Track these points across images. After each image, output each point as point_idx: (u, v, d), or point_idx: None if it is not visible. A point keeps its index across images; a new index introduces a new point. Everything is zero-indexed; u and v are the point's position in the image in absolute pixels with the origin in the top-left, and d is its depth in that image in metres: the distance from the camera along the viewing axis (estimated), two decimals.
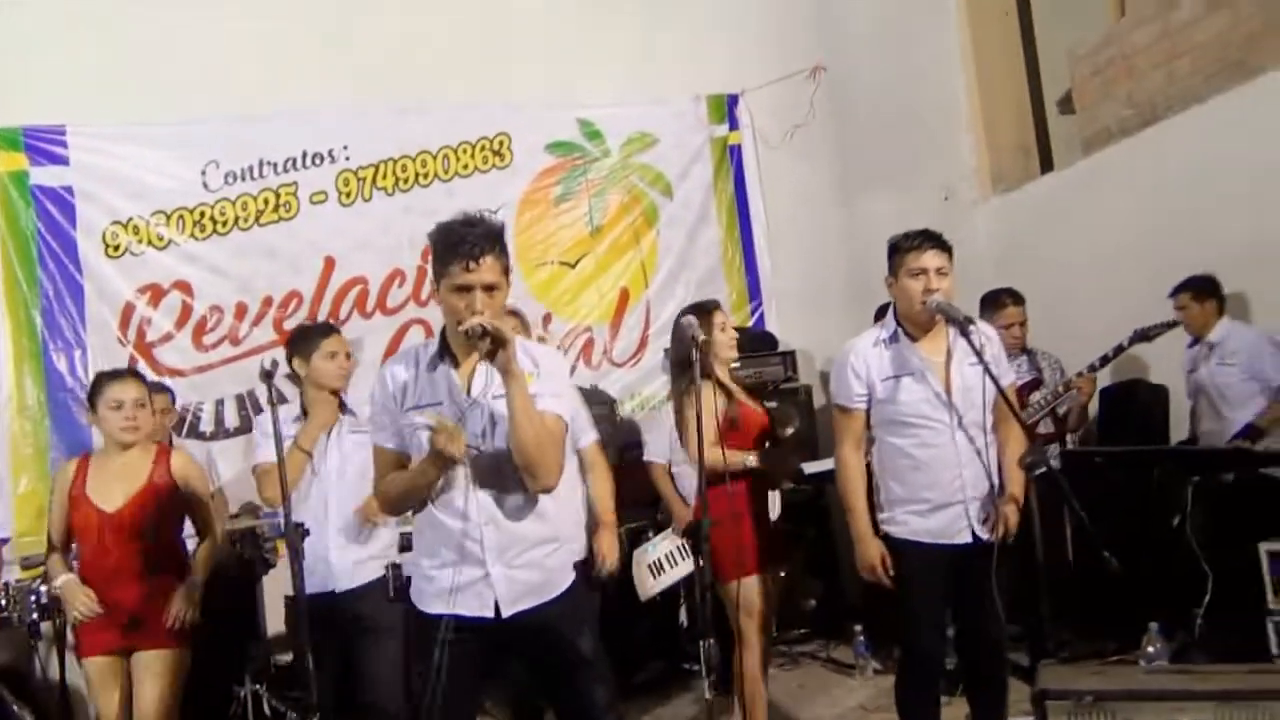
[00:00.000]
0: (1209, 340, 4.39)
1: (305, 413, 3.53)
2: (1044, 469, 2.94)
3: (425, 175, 5.75)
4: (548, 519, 2.48)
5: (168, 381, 5.20)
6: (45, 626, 4.25)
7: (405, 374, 2.47)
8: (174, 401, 4.72)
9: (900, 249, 3.04)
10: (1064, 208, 5.84)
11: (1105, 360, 4.29)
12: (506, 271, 2.46)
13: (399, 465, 2.44)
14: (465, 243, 2.35)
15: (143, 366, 5.31)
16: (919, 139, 6.41)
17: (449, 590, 2.35)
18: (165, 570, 3.35)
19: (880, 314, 3.82)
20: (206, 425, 5.40)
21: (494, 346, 2.29)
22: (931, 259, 2.98)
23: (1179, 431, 4.90)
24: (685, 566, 3.99)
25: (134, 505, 3.30)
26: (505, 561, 2.40)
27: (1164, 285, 4.55)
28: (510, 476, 2.42)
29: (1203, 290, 4.40)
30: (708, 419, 3.62)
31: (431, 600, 2.39)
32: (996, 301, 4.50)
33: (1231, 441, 4.17)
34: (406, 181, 5.72)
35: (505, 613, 2.39)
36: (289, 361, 3.52)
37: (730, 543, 3.33)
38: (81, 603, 3.23)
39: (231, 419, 5.42)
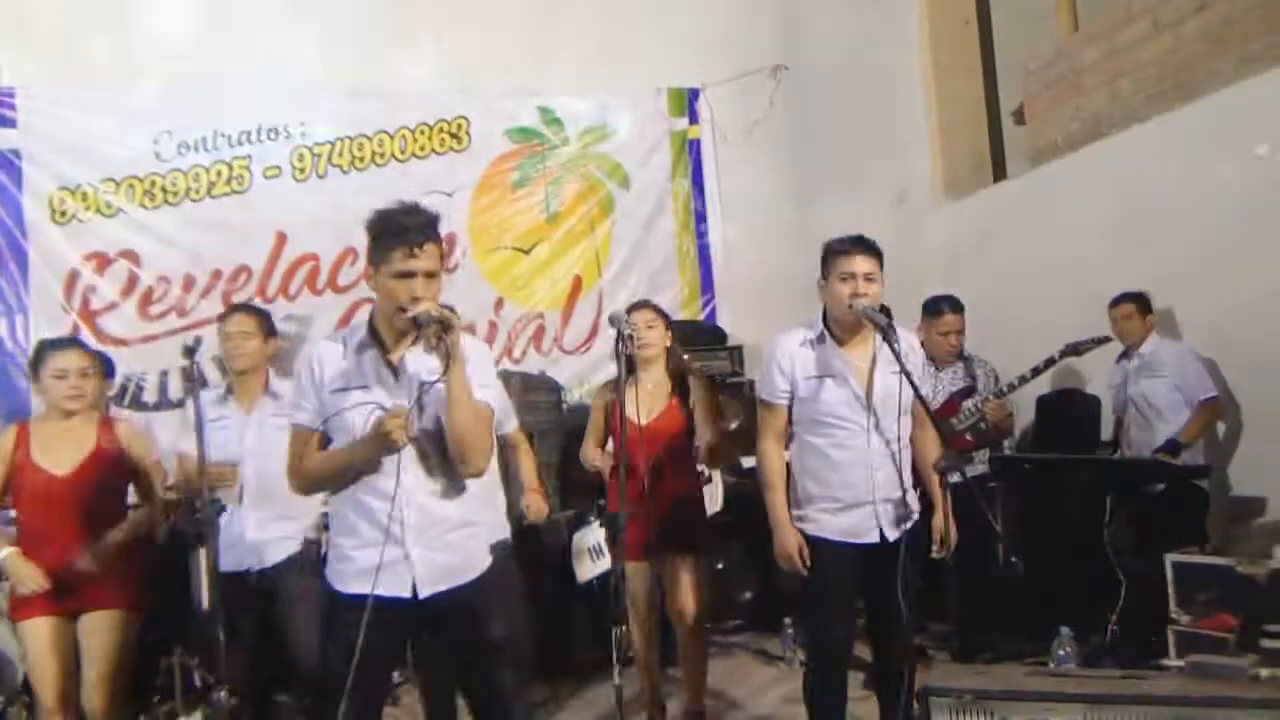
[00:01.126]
0: (1140, 353, 4.51)
1: (230, 392, 3.58)
2: (958, 474, 3.02)
3: (381, 155, 5.73)
4: (468, 503, 2.53)
5: (110, 351, 5.17)
6: None
7: (332, 356, 2.51)
8: (112, 373, 4.68)
9: (832, 252, 3.10)
10: (1012, 217, 5.96)
11: (1036, 372, 4.39)
12: (443, 257, 2.51)
13: (318, 445, 2.46)
14: (409, 230, 2.40)
15: (85, 334, 5.28)
16: (876, 142, 6.51)
17: (370, 569, 2.38)
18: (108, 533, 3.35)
19: None
20: (149, 396, 5.38)
21: (441, 332, 2.33)
22: (861, 264, 3.04)
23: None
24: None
25: (85, 469, 3.34)
26: (425, 543, 2.44)
27: (1102, 296, 4.67)
28: (434, 460, 2.47)
29: (1144, 303, 4.53)
30: (597, 415, 3.90)
31: (350, 580, 2.43)
32: (935, 309, 4.58)
33: (1154, 454, 4.29)
34: (362, 160, 5.71)
35: (423, 593, 2.43)
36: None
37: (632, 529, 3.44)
38: (29, 578, 3.20)
39: (175, 390, 5.38)
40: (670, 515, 3.68)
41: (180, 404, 5.31)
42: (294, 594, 3.39)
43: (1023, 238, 5.77)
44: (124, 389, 5.33)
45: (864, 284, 3.04)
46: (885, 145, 6.58)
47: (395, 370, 2.47)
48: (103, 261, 5.37)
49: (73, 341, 3.52)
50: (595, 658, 5.00)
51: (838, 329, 3.13)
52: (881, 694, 3.22)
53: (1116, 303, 4.58)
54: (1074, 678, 2.25)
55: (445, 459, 2.47)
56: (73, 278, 5.32)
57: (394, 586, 2.42)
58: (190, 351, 2.72)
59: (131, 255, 5.40)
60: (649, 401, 3.77)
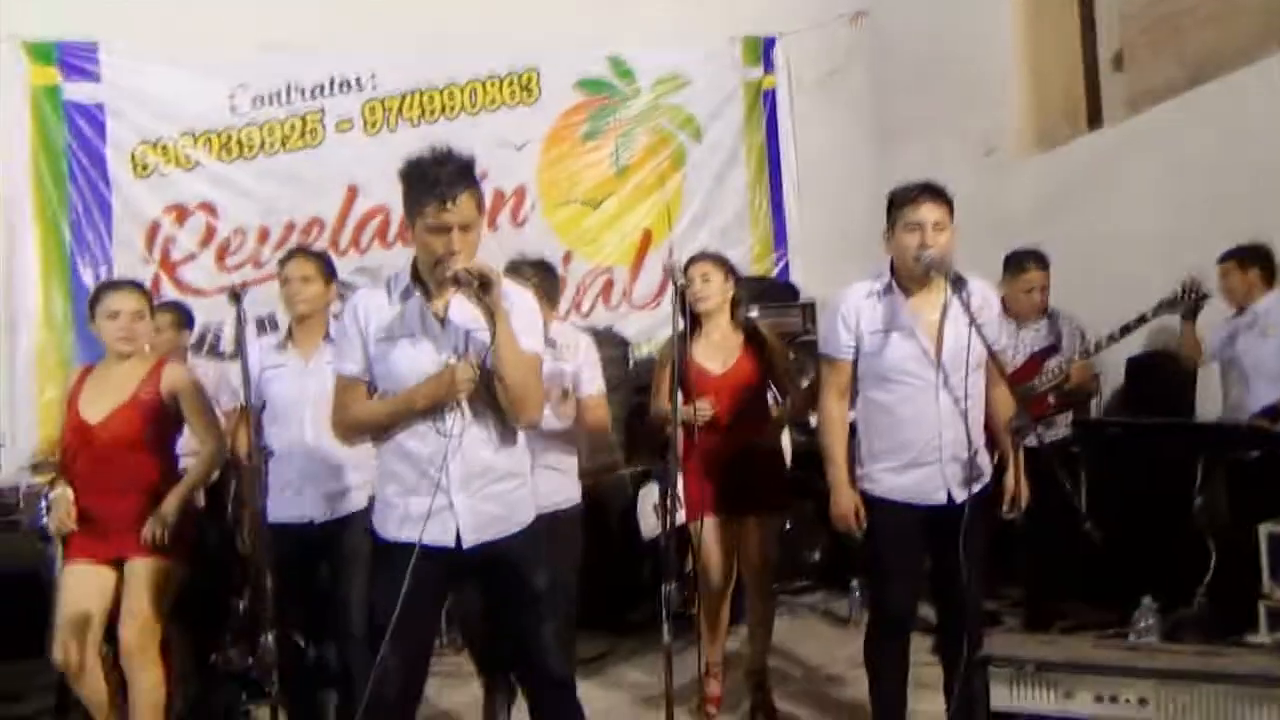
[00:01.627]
0: (1254, 309, 4.21)
1: (290, 338, 3.53)
2: (1033, 437, 2.87)
3: (451, 108, 5.71)
4: (514, 454, 2.50)
5: (189, 301, 5.29)
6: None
7: (377, 304, 2.47)
8: (190, 323, 4.77)
9: (897, 201, 2.94)
10: (1108, 167, 5.62)
11: (1126, 330, 4.13)
12: (480, 206, 2.44)
13: (363, 394, 2.44)
14: (439, 183, 2.31)
15: (166, 285, 5.43)
16: (961, 91, 6.20)
17: (413, 517, 2.37)
18: (154, 483, 3.30)
19: None
20: (226, 345, 5.50)
21: (482, 288, 2.29)
22: (928, 212, 2.87)
23: (1206, 409, 4.75)
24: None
25: (117, 418, 3.27)
26: (470, 491, 2.41)
27: (1205, 251, 4.37)
28: (482, 409, 2.42)
29: (1248, 258, 4.20)
30: (663, 368, 3.71)
31: (394, 526, 2.41)
32: (1018, 265, 4.35)
33: (1252, 419, 4.03)
34: (433, 113, 5.70)
35: (466, 542, 2.41)
36: None
37: (693, 485, 3.38)
38: (58, 517, 3.22)
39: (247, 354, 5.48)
40: (745, 470, 3.57)
41: None
42: (357, 547, 3.23)
43: (1119, 189, 5.44)
44: (202, 338, 5.45)
45: (932, 233, 2.87)
46: (971, 95, 6.26)
47: (441, 319, 2.43)
48: (182, 213, 5.49)
49: (130, 283, 3.44)
50: (658, 614, 4.99)
51: (905, 280, 2.98)
52: (947, 660, 3.11)
53: (1220, 259, 4.27)
54: (1146, 651, 2.10)
55: (492, 408, 2.43)
56: (153, 229, 5.46)
57: (437, 535, 2.40)
58: (237, 297, 2.71)
59: (209, 208, 5.51)
60: (720, 353, 3.65)
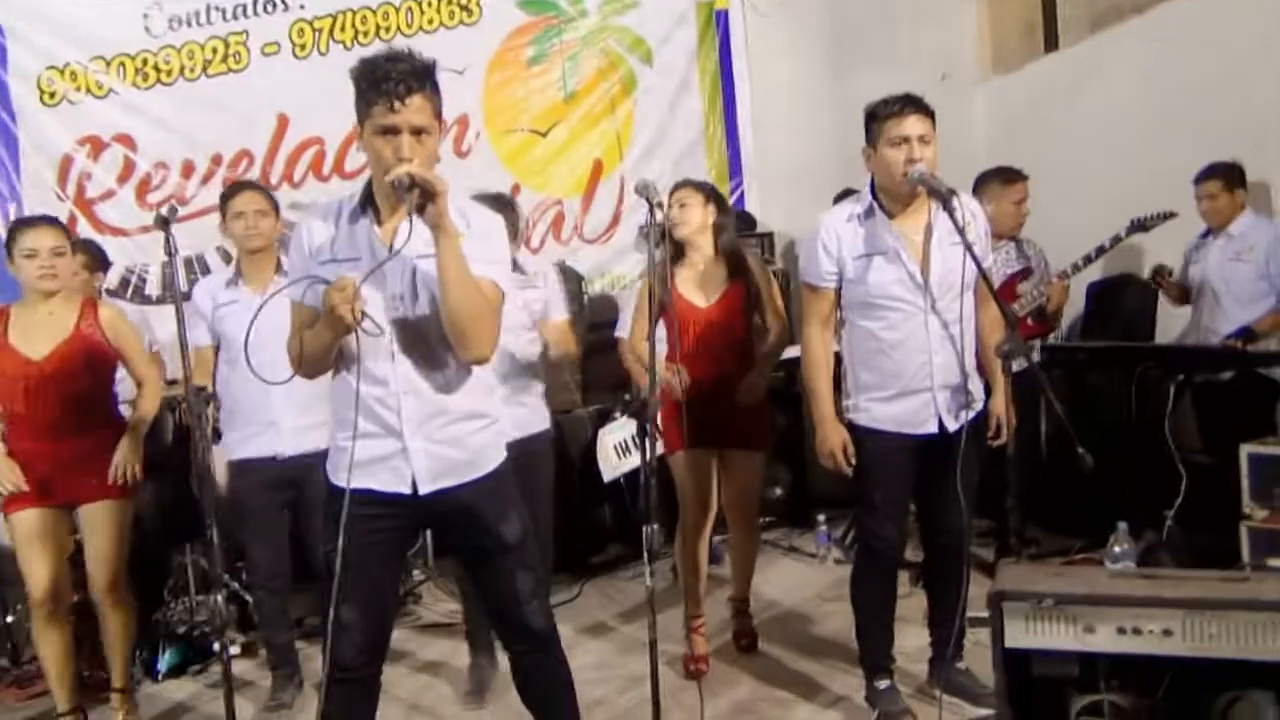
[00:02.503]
0: (1229, 232, 4.13)
1: (239, 274, 3.38)
2: (1022, 360, 2.75)
3: (386, 29, 5.35)
4: (474, 393, 2.28)
5: (110, 241, 4.93)
6: None
7: (324, 226, 2.24)
8: (106, 264, 4.44)
9: (879, 116, 2.77)
10: (1068, 89, 5.52)
11: (1101, 251, 4.06)
12: (438, 114, 2.20)
13: (313, 321, 2.21)
14: (389, 79, 2.08)
15: (83, 224, 5.05)
16: (917, 13, 6.02)
17: (363, 462, 2.17)
18: (99, 423, 3.25)
19: (840, 198, 3.56)
20: (153, 289, 5.16)
21: (423, 199, 2.05)
22: (914, 125, 2.72)
23: (1164, 332, 4.73)
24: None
25: (62, 353, 3.16)
26: (425, 435, 2.21)
27: (1170, 172, 4.28)
28: (436, 344, 2.21)
29: (1232, 178, 4.11)
30: (641, 299, 3.54)
31: (344, 473, 2.18)
32: (1010, 176, 4.21)
33: (1224, 341, 3.99)
34: (366, 35, 5.33)
35: (423, 490, 2.21)
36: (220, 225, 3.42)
37: (671, 418, 3.33)
38: (6, 478, 3.12)
39: (182, 282, 5.14)
40: (728, 404, 3.42)
41: (185, 297, 5.09)
42: (318, 487, 3.19)
43: (1080, 110, 5.34)
44: (126, 281, 5.11)
45: (919, 147, 2.72)
46: (928, 16, 6.08)
47: (390, 245, 2.19)
48: (97, 145, 5.08)
49: (46, 219, 3.27)
50: (620, 555, 4.89)
51: (888, 201, 2.83)
52: (934, 593, 3.04)
53: (1201, 178, 4.17)
54: (1171, 580, 2.00)
55: (446, 343, 2.20)
56: (66, 163, 5.05)
57: (391, 481, 2.21)
58: (165, 222, 2.46)
59: (126, 139, 5.11)
60: (705, 283, 3.48)
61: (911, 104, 2.76)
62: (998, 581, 2.11)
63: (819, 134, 5.97)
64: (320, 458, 3.16)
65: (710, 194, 3.54)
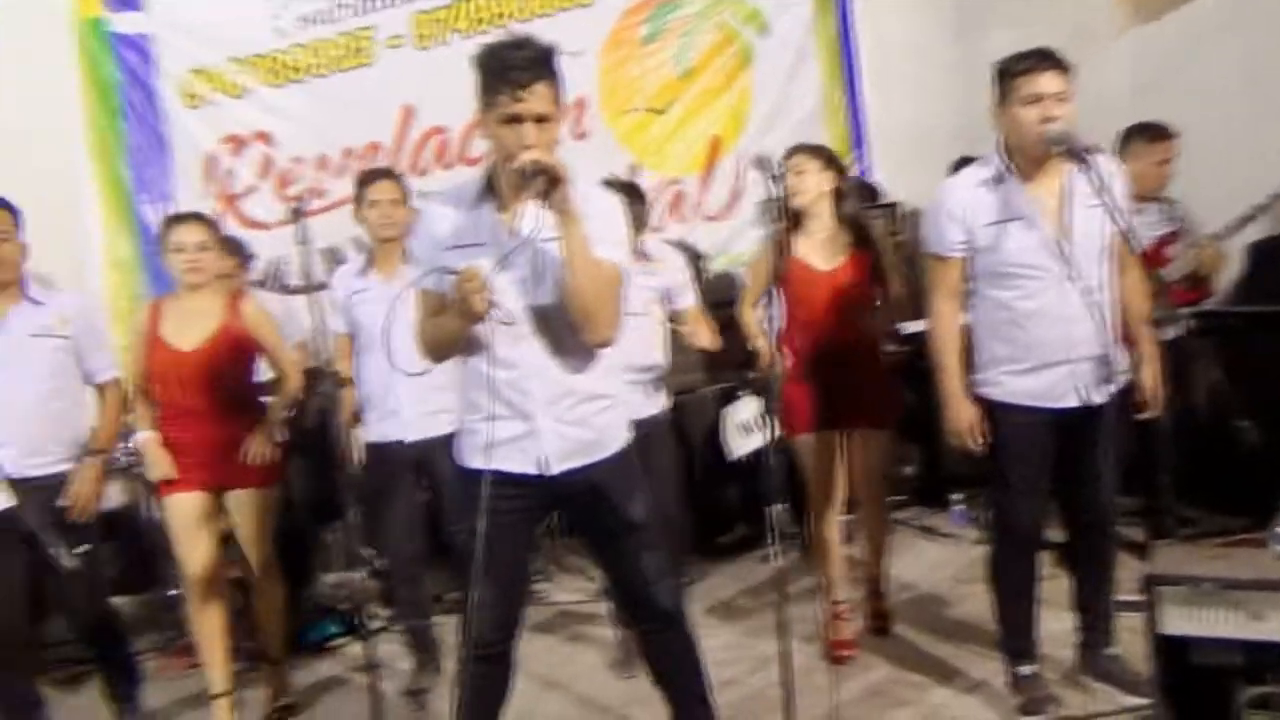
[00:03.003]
0: None
1: (370, 263, 3.48)
2: (1174, 328, 2.59)
3: (502, 15, 5.42)
4: (599, 374, 2.31)
5: (252, 235, 5.19)
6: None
7: (447, 213, 2.29)
8: (247, 256, 4.68)
9: (1011, 73, 2.64)
10: (1213, 36, 5.14)
11: (1259, 210, 3.78)
12: (560, 100, 2.21)
13: (440, 308, 2.26)
14: (513, 68, 2.10)
15: (228, 220, 5.30)
16: None
17: (492, 444, 2.21)
18: (244, 412, 3.38)
19: (958, 168, 3.39)
20: (293, 279, 5.38)
21: (549, 185, 2.07)
22: (1049, 82, 2.58)
23: None
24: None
25: (209, 346, 3.31)
26: (553, 416, 2.25)
27: None
28: (562, 327, 2.24)
29: None
30: (758, 269, 3.48)
31: (475, 455, 2.25)
32: (1155, 133, 3.97)
33: None
34: (483, 22, 5.41)
35: (552, 470, 2.25)
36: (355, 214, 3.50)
37: (797, 398, 3.22)
38: (158, 465, 3.29)
39: (319, 272, 5.36)
40: (858, 380, 3.34)
41: (323, 286, 5.29)
42: (447, 474, 3.27)
43: (1228, 58, 4.97)
44: (269, 273, 5.35)
45: (1054, 105, 2.58)
46: None
47: (511, 229, 2.22)
48: (238, 144, 5.33)
49: (194, 215, 3.45)
50: (747, 535, 4.86)
51: (1022, 163, 2.69)
52: (1079, 575, 2.90)
53: None
54: None
55: (572, 326, 2.23)
56: (211, 162, 5.31)
57: (521, 463, 2.25)
58: (297, 214, 2.55)
59: (264, 137, 5.34)
60: (826, 249, 3.36)
61: (1046, 59, 2.62)
62: (1152, 564, 1.98)
63: (944, 98, 5.74)
64: (445, 441, 3.32)
65: (828, 158, 3.42)
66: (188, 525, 3.30)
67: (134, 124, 5.23)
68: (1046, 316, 2.66)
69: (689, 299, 3.50)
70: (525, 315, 2.22)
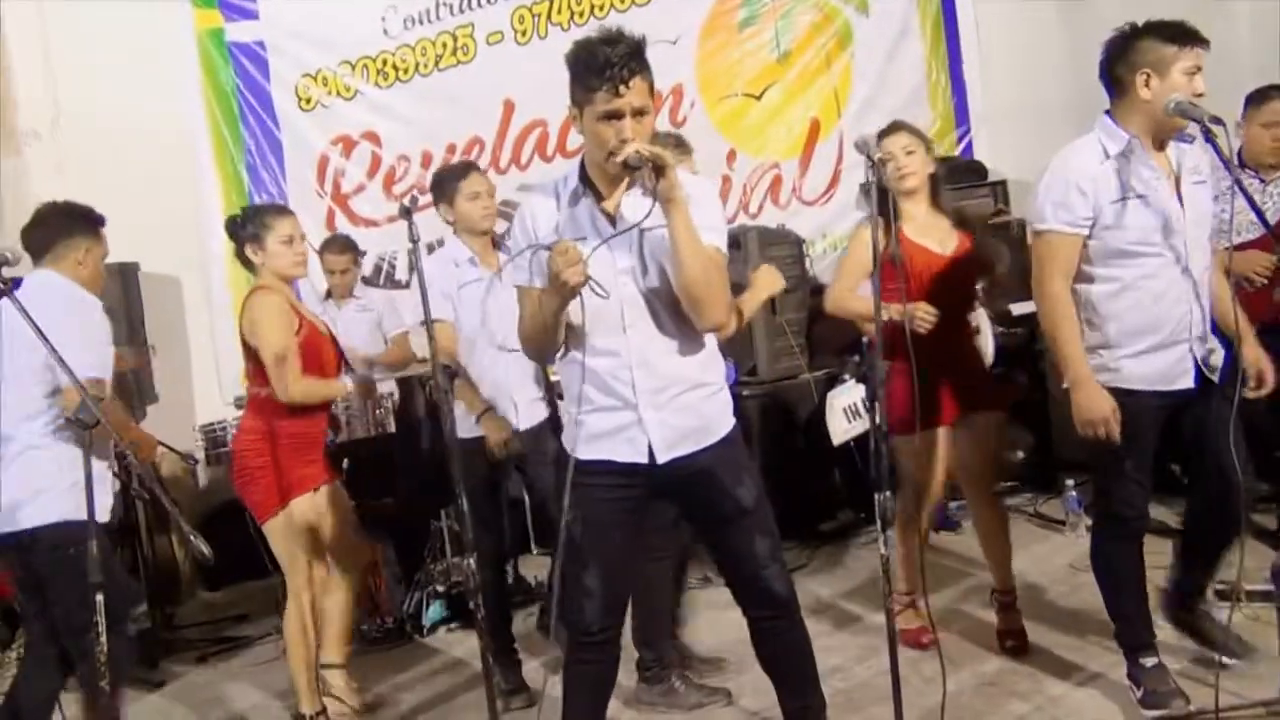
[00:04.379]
0: None
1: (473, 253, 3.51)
2: None
3: (601, 7, 5.46)
4: (702, 362, 2.33)
5: (362, 232, 5.39)
6: None
7: (547, 209, 2.33)
8: (357, 257, 4.89)
9: (1176, 38, 2.53)
10: None
11: None
12: (653, 91, 2.24)
13: (536, 302, 2.30)
14: (611, 64, 2.13)
15: (340, 218, 5.51)
16: None
17: (601, 434, 2.26)
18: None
19: None
20: (401, 274, 5.55)
21: (655, 174, 2.10)
22: (1200, 58, 2.52)
23: None
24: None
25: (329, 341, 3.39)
26: (658, 404, 2.27)
27: None
28: (663, 315, 2.27)
29: None
30: (859, 250, 3.28)
31: (583, 445, 2.29)
32: (1260, 96, 3.77)
33: None
34: (582, 15, 5.46)
35: (660, 458, 2.27)
36: (437, 209, 3.49)
37: (904, 391, 2.99)
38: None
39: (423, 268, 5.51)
40: (969, 366, 3.29)
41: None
42: (546, 457, 3.27)
43: None
44: (378, 269, 5.54)
45: (1200, 82, 2.53)
46: None
47: (613, 218, 2.26)
48: (348, 144, 5.52)
49: (288, 209, 3.56)
50: (851, 521, 4.81)
51: (1152, 136, 2.58)
52: (1193, 539, 2.80)
53: None
54: None
55: (674, 313, 2.26)
56: (323, 162, 5.52)
57: (628, 452, 2.28)
58: (407, 211, 2.63)
59: (373, 136, 5.52)
60: (935, 234, 3.25)
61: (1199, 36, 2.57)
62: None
63: (1051, 70, 5.53)
64: (544, 427, 3.38)
65: (928, 142, 3.36)
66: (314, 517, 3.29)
67: (251, 128, 5.46)
68: (1166, 295, 2.59)
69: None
70: (628, 304, 2.25)
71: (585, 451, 2.29)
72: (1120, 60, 2.59)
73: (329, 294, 4.95)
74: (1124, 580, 2.77)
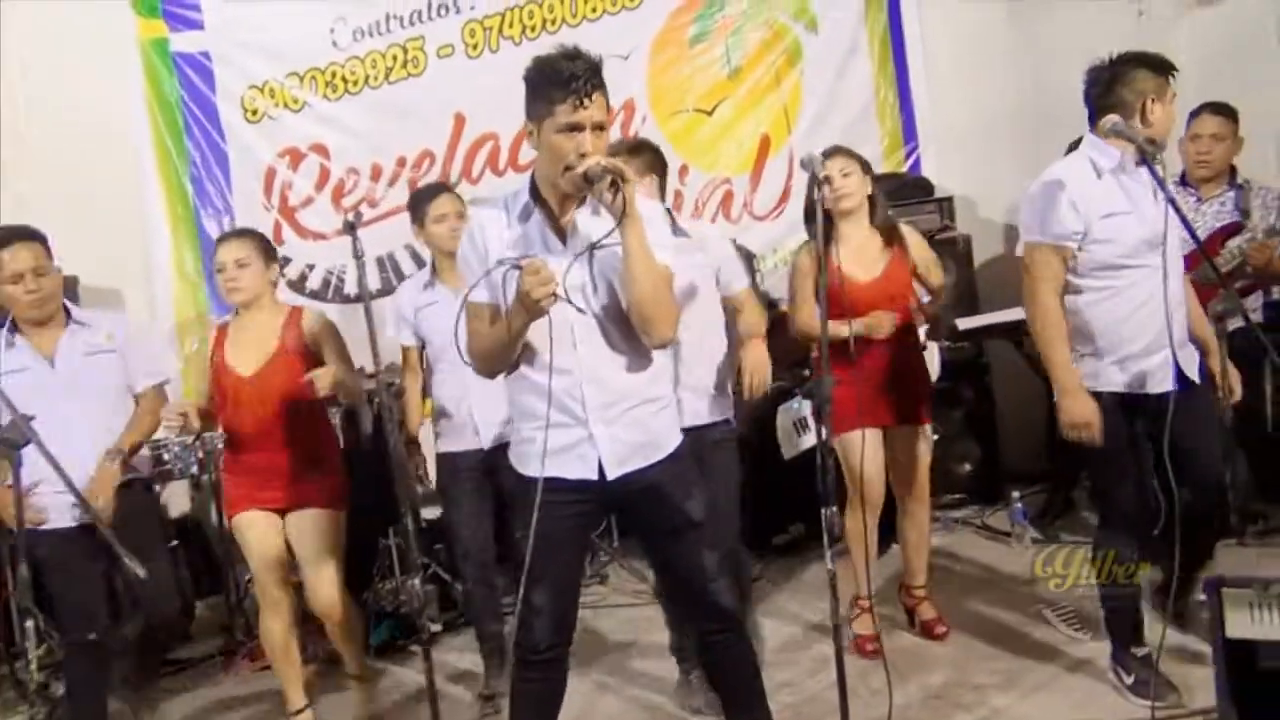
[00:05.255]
0: None
1: (434, 272, 3.50)
2: (1240, 320, 2.56)
3: (552, 21, 5.45)
4: (651, 377, 2.34)
5: (311, 245, 5.33)
6: (204, 480, 4.49)
7: (494, 224, 2.33)
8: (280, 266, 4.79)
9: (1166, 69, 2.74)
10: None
11: None
12: (610, 109, 2.26)
13: (488, 319, 2.30)
14: (575, 77, 2.15)
15: (288, 231, 5.43)
16: None
17: (552, 451, 2.24)
18: (311, 432, 3.32)
19: (1073, 149, 3.35)
20: (350, 288, 5.48)
21: (614, 187, 2.12)
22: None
23: None
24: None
25: (268, 369, 3.25)
26: (608, 420, 2.27)
27: None
28: (613, 331, 2.28)
29: None
30: (804, 277, 3.41)
31: (532, 461, 2.28)
32: (1194, 114, 3.92)
33: None
34: (534, 29, 5.45)
35: (610, 474, 2.28)
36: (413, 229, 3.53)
37: (848, 398, 3.12)
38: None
39: (373, 281, 5.46)
40: (900, 380, 3.40)
41: (381, 294, 5.37)
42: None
43: None
44: (327, 283, 5.47)
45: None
46: None
47: (564, 235, 2.26)
48: (296, 156, 5.43)
49: (233, 234, 3.49)
50: (802, 535, 4.83)
51: (1139, 153, 2.69)
52: (1187, 543, 2.84)
53: None
54: None
55: (623, 329, 2.27)
56: (270, 175, 5.43)
57: (578, 468, 2.28)
58: (351, 226, 2.61)
59: (321, 148, 5.44)
60: (865, 257, 3.40)
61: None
62: (1216, 566, 1.94)
63: (998, 87, 5.64)
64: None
65: (864, 163, 3.47)
66: (260, 539, 3.24)
67: (196, 139, 5.37)
68: (1148, 305, 2.71)
69: (743, 280, 3.30)
70: (580, 320, 2.24)
71: (532, 467, 2.28)
72: (1123, 85, 2.71)
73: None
74: (1117, 575, 2.86)
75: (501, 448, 3.21)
